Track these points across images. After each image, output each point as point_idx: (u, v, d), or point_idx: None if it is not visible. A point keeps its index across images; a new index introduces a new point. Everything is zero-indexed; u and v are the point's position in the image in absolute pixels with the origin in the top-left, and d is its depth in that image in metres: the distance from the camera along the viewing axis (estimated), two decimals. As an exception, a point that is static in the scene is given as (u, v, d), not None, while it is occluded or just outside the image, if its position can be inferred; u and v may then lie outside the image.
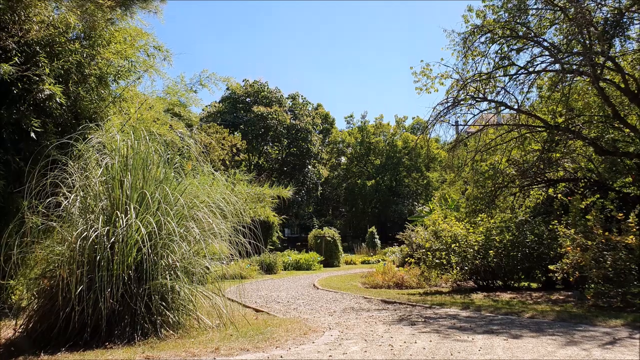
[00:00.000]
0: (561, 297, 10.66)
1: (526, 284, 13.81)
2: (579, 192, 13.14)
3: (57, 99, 7.90)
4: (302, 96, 49.91)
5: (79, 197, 6.25)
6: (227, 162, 27.35)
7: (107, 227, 5.96)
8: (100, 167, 6.46)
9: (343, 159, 55.99)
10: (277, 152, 46.98)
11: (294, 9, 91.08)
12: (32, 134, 7.66)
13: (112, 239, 5.85)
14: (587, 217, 10.00)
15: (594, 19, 12.10)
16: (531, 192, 14.80)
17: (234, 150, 29.72)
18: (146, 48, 10.32)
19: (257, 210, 17.56)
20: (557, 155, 13.59)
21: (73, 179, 6.41)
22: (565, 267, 9.82)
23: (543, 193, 14.57)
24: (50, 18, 8.49)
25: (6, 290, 7.83)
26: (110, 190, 6.41)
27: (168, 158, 7.34)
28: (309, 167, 46.44)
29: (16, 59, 7.64)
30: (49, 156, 6.75)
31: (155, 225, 6.07)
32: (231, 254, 7.29)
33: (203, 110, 40.12)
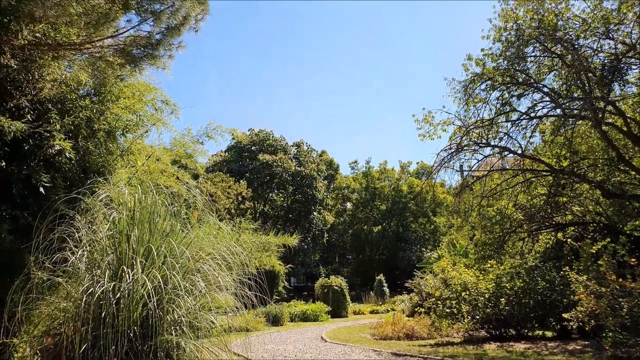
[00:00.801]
0: (578, 347, 10.31)
1: (540, 332, 13.40)
2: (589, 236, 12.98)
3: (67, 154, 8.04)
4: (306, 143, 50.56)
5: (85, 252, 6.23)
6: (233, 211, 27.39)
7: (113, 282, 5.90)
8: (108, 222, 6.48)
9: (348, 205, 55.95)
10: (282, 199, 47.08)
11: (299, 61, 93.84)
12: (41, 189, 7.75)
13: (118, 295, 5.78)
14: (599, 262, 9.83)
15: (591, 65, 12.38)
16: (540, 237, 14.65)
17: (240, 199, 29.82)
18: (154, 102, 10.59)
19: (262, 260, 17.39)
20: (564, 199, 13.54)
21: (80, 234, 6.41)
22: (580, 315, 9.56)
23: (552, 237, 14.41)
24: (63, 76, 8.78)
25: (9, 349, 7.68)
26: (117, 244, 6.40)
27: (174, 210, 7.35)
28: (315, 213, 46.35)
29: (29, 116, 7.84)
30: (57, 211, 6.79)
31: (161, 280, 6.00)
32: (237, 307, 7.16)
33: (209, 159, 40.62)
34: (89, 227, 6.55)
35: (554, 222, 14.11)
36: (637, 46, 12.10)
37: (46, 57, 8.63)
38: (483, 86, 12.79)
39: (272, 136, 47.16)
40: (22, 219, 7.66)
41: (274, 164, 43.08)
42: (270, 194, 46.06)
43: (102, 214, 6.79)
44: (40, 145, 8.04)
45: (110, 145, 9.47)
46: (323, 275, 41.32)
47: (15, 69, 7.82)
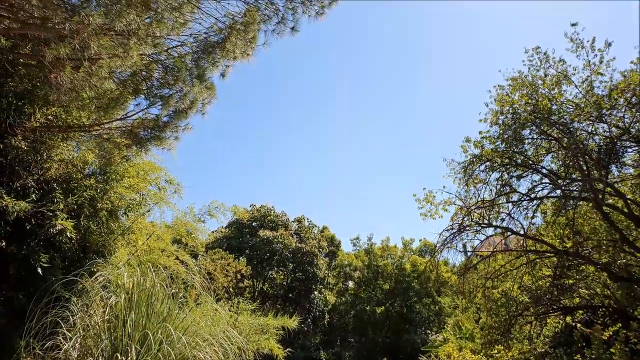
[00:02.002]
0: None
1: None
2: (599, 321, 12.56)
3: (68, 234, 8.03)
4: (308, 219, 50.49)
5: (79, 339, 6.02)
6: (231, 290, 26.76)
7: (105, 372, 5.65)
8: (105, 306, 6.33)
9: (350, 284, 54.78)
10: (282, 277, 46.19)
11: (302, 140, 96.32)
12: (39, 270, 7.64)
13: (109, 385, 5.50)
14: (611, 349, 9.43)
15: (588, 147, 12.65)
16: (548, 321, 14.17)
17: (239, 277, 29.28)
18: (158, 181, 10.74)
19: (260, 343, 16.71)
20: (571, 281, 13.26)
21: (75, 318, 6.24)
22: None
23: (561, 321, 13.93)
24: (70, 157, 8.97)
25: None
26: (112, 329, 6.20)
27: (172, 292, 7.20)
28: (315, 293, 45.25)
29: (33, 195, 7.92)
30: (53, 293, 6.65)
31: (155, 369, 5.75)
32: (233, 397, 6.80)
33: (209, 235, 40.40)
34: (84, 311, 6.38)
35: (561, 305, 13.70)
36: (631, 130, 12.42)
37: (56, 138, 8.87)
38: (482, 167, 12.99)
39: (274, 212, 47.23)
40: (17, 300, 7.49)
41: (275, 240, 42.78)
42: (270, 272, 45.28)
43: (100, 297, 6.65)
44: (42, 224, 8.04)
45: (112, 225, 9.47)
46: None
47: (25, 150, 8.01)
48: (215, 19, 8.40)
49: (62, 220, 8.05)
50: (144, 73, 8.96)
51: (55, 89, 7.92)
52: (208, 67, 9.17)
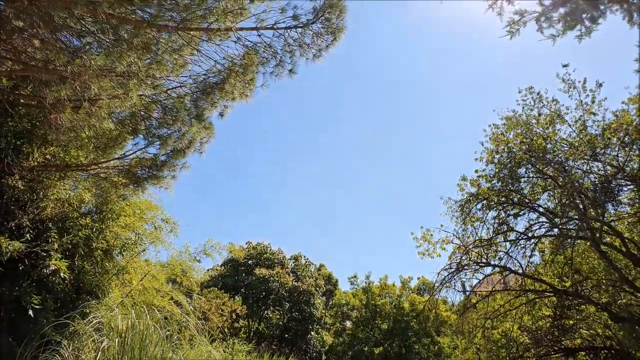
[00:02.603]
0: None
1: None
2: (602, 363, 12.31)
3: (61, 274, 7.91)
4: (304, 257, 49.97)
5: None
6: (226, 330, 26.17)
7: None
8: (97, 350, 6.16)
9: (348, 324, 53.69)
10: (278, 316, 45.30)
11: (300, 177, 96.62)
12: (30, 312, 7.48)
13: None
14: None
15: (583, 185, 12.71)
16: (550, 363, 13.87)
17: (234, 317, 28.73)
18: (154, 220, 10.68)
19: (256, 386, 16.23)
20: (571, 321, 13.06)
21: (64, 364, 6.05)
22: None
23: (563, 363, 13.64)
24: (67, 196, 8.95)
25: None
26: (103, 375, 6.02)
27: (167, 335, 7.04)
28: (312, 333, 44.28)
29: (28, 235, 7.85)
30: (44, 336, 6.48)
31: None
32: None
33: (204, 273, 39.85)
34: (75, 356, 6.21)
35: (562, 347, 13.45)
36: (625, 168, 12.52)
37: (53, 177, 8.87)
38: (479, 206, 13.01)
39: (270, 249, 46.79)
40: (6, 346, 7.29)
41: (271, 278, 42.20)
42: (266, 311, 44.43)
43: (92, 340, 6.48)
44: (36, 264, 7.93)
45: (107, 264, 9.35)
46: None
47: (21, 190, 8.00)
48: (215, 61, 8.57)
49: (56, 260, 7.95)
50: (142, 113, 9.07)
51: (54, 128, 7.98)
52: (207, 108, 9.29)
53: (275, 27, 8.94)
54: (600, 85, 13.38)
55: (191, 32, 8.09)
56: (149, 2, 8.12)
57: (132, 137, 8.98)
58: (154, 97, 8.51)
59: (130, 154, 9.41)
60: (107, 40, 8.04)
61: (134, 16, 7.70)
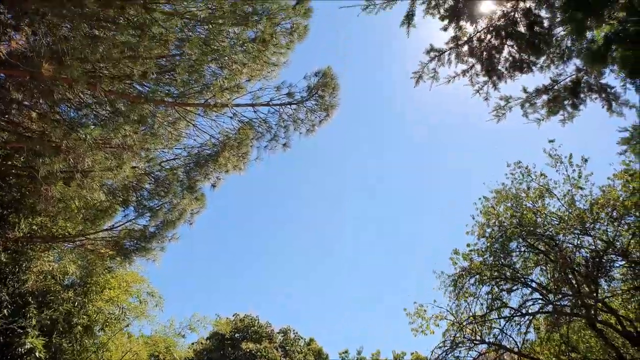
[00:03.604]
0: None
1: None
2: None
3: (37, 354, 7.51)
4: (294, 330, 48.21)
5: None
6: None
7: None
8: None
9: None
10: (265, 394, 42.94)
11: (291, 247, 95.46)
12: (0, 395, 7.01)
13: None
14: None
15: (575, 260, 12.65)
16: None
17: (218, 395, 27.17)
18: (139, 294, 10.36)
19: None
20: (573, 405, 12.49)
21: None
22: None
23: None
24: (50, 268, 8.70)
25: None
26: None
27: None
28: (301, 412, 41.87)
29: (5, 310, 7.52)
30: None
31: None
32: None
33: (189, 348, 38.15)
34: None
35: None
36: (616, 243, 12.54)
37: (38, 248, 8.68)
38: (472, 280, 12.82)
39: (258, 322, 45.22)
40: None
41: (258, 353, 40.45)
42: (252, 389, 42.19)
43: None
44: (11, 342, 7.54)
45: (86, 342, 8.93)
46: None
47: (3, 262, 7.78)
48: (210, 135, 8.73)
49: (32, 337, 7.57)
50: (134, 184, 9.06)
51: (44, 199, 7.91)
52: (200, 179, 9.33)
53: (270, 103, 9.21)
54: (586, 160, 13.71)
55: (188, 108, 8.29)
56: (147, 78, 8.38)
57: (123, 208, 8.90)
58: (147, 168, 8.54)
59: (120, 225, 9.29)
60: (104, 112, 8.20)
61: (131, 91, 7.91)
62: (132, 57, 7.77)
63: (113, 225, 9.10)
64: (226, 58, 7.59)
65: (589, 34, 3.82)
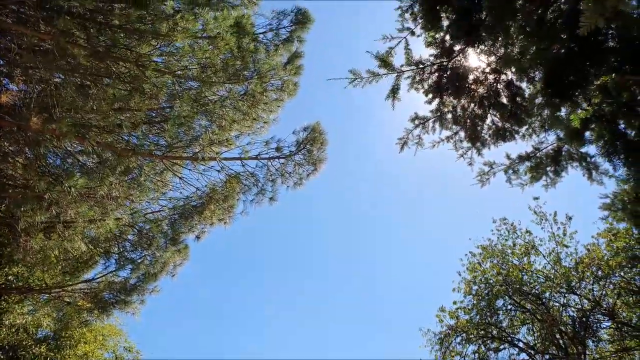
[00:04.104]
0: None
1: None
2: None
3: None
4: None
5: None
6: None
7: None
8: None
9: None
10: None
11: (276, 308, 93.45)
12: None
13: None
14: None
15: (562, 319, 12.53)
16: None
17: None
18: (115, 349, 9.97)
19: None
20: None
21: None
22: None
23: None
24: (24, 321, 8.39)
25: None
26: None
27: None
28: None
29: (-28, 367, 7.18)
30: None
31: None
32: None
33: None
34: None
35: None
36: (602, 303, 12.48)
37: (12, 300, 8.41)
38: (458, 339, 12.61)
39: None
40: None
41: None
42: None
43: None
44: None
45: (56, 400, 8.51)
46: None
47: (-26, 316, 7.49)
48: (196, 188, 8.70)
49: (0, 396, 7.20)
50: (117, 235, 8.92)
51: (22, 250, 7.73)
52: (184, 232, 9.22)
53: (258, 157, 9.27)
54: (570, 218, 13.85)
55: (176, 161, 8.31)
56: (136, 129, 8.44)
57: (104, 260, 8.72)
58: (131, 220, 8.44)
59: (100, 277, 9.06)
60: (91, 162, 8.18)
61: (120, 145, 7.92)
62: (122, 109, 7.85)
63: (93, 277, 8.88)
64: (216, 114, 7.68)
65: (565, 112, 3.96)
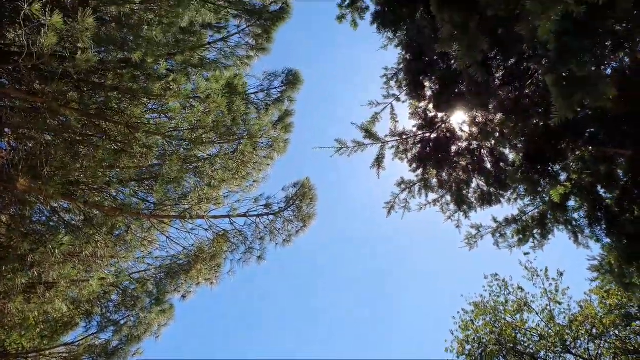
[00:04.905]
0: None
1: None
2: None
3: None
4: None
5: None
6: None
7: None
8: None
9: None
10: None
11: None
12: None
13: None
14: None
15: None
16: None
17: None
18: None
19: None
20: None
21: None
22: None
23: None
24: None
25: None
26: None
27: None
28: None
29: None
30: None
31: None
32: None
33: None
34: None
35: None
36: (598, 364, 12.23)
37: (-14, 365, 8.06)
38: None
39: None
40: None
41: None
42: None
43: None
44: None
45: None
46: None
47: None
48: (183, 247, 8.59)
49: None
50: (101, 295, 8.70)
51: (0, 312, 7.50)
52: (170, 291, 9.02)
53: (247, 214, 9.23)
54: (562, 274, 13.80)
55: (163, 219, 8.24)
56: (126, 185, 8.43)
57: (85, 321, 8.46)
58: (115, 280, 8.27)
59: (80, 339, 8.75)
60: (77, 220, 8.09)
61: (108, 202, 7.88)
62: (111, 166, 7.87)
63: (73, 340, 8.58)
64: (206, 174, 7.72)
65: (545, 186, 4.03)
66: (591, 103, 2.19)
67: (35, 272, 6.75)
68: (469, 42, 2.76)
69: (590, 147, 3.50)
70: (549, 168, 3.60)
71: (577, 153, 3.57)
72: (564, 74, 2.06)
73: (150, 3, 8.89)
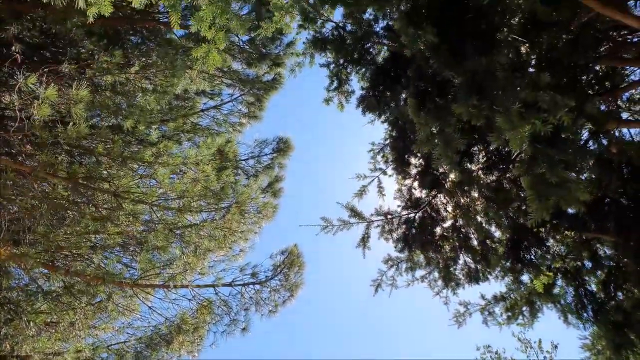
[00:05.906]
0: None
1: None
2: None
3: None
4: None
5: None
6: None
7: None
8: None
9: None
10: None
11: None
12: None
13: None
14: None
15: None
16: None
17: None
18: None
19: None
20: None
21: None
22: None
23: None
24: None
25: None
26: None
27: None
28: None
29: None
30: None
31: None
32: None
33: None
34: None
35: None
36: None
37: None
38: None
39: None
40: None
41: None
42: None
43: None
44: None
45: None
46: None
47: None
48: (166, 318, 8.31)
49: None
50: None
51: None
52: (149, 364, 8.63)
53: (233, 284, 9.04)
54: (556, 347, 13.44)
55: (146, 289, 8.03)
56: (109, 251, 8.28)
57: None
58: (92, 354, 7.91)
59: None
60: (56, 287, 7.86)
61: (89, 270, 7.70)
62: (97, 231, 7.76)
63: None
64: (192, 243, 7.63)
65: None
66: (565, 207, 2.23)
67: (8, 346, 6.46)
68: (444, 143, 2.84)
69: (572, 232, 3.53)
70: (531, 257, 3.60)
71: (557, 237, 3.59)
72: (539, 176, 2.11)
73: (146, 71, 9.17)
